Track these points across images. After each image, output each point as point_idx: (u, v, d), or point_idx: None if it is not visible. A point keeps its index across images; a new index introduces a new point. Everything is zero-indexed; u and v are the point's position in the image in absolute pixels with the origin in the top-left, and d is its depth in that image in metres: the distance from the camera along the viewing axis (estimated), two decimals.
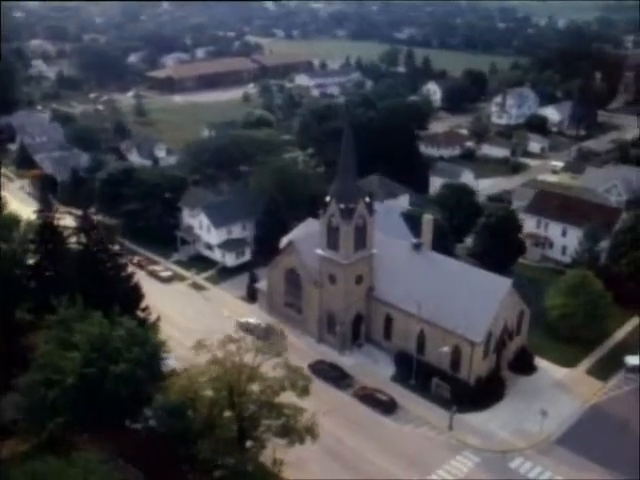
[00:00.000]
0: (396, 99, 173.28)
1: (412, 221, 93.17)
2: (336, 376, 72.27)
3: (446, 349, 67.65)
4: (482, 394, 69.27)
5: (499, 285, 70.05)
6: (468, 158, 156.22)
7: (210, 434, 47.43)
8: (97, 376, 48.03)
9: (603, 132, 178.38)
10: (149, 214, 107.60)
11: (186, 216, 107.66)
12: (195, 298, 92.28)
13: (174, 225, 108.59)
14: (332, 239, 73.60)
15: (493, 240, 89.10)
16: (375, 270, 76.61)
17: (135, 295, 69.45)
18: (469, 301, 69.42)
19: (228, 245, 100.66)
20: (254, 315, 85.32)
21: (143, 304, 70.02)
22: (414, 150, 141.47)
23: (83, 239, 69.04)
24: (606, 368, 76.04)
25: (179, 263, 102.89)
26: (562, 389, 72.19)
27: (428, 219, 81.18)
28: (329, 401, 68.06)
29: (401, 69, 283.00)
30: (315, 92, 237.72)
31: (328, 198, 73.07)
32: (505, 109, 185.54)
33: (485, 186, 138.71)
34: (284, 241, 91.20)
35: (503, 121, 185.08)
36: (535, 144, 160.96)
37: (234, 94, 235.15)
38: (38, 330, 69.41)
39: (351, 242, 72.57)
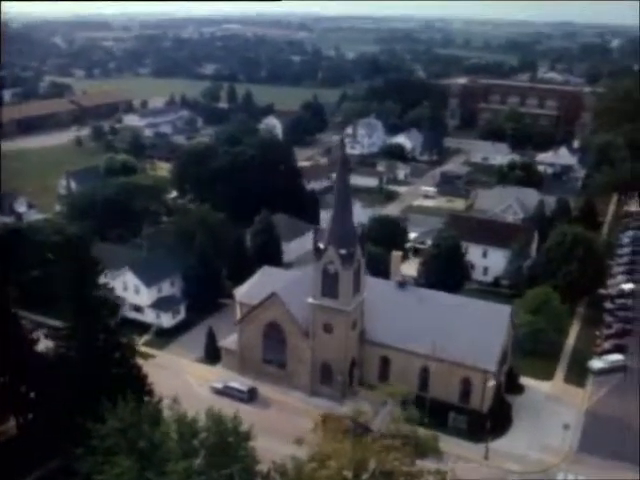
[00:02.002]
0: (257, 135, 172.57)
1: None
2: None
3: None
4: (496, 420, 70.50)
5: (501, 313, 72.23)
6: None
7: None
8: None
9: (450, 156, 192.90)
10: (54, 279, 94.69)
11: (101, 278, 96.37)
12: (147, 367, 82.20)
13: None
14: (329, 286, 70.41)
15: (441, 267, 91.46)
16: (365, 313, 74.80)
17: (136, 375, 60.35)
18: (473, 332, 70.45)
19: (162, 304, 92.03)
20: (223, 377, 78.84)
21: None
22: (300, 185, 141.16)
23: None
24: (577, 375, 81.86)
25: None
26: (555, 401, 76.21)
27: (397, 255, 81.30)
28: None
29: (223, 104, 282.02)
30: (148, 132, 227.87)
31: (322, 245, 69.90)
32: (357, 139, 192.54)
33: (371, 215, 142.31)
34: (240, 293, 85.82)
35: (356, 151, 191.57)
36: (399, 171, 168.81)
37: (60, 138, 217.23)
38: None
39: (351, 288, 70.17)
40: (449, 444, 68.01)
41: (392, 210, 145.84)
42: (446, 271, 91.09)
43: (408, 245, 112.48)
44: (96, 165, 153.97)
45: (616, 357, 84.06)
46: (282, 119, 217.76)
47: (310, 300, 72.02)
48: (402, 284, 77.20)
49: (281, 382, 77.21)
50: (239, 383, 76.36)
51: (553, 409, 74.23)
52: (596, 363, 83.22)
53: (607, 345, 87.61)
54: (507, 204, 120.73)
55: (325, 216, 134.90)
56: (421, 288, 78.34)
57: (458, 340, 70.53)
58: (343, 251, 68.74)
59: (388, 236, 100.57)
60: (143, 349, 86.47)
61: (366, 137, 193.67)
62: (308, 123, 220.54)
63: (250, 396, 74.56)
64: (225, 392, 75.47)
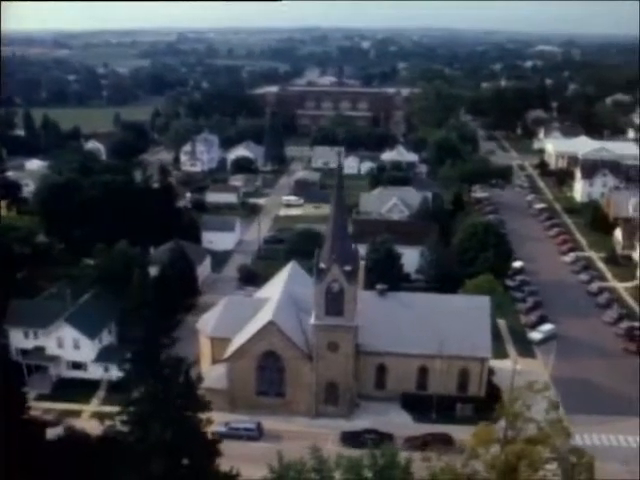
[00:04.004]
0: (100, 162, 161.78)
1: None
2: (376, 440, 69.76)
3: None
4: (494, 402, 76.18)
5: (482, 303, 77.95)
6: (201, 208, 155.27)
7: None
8: None
9: (289, 164, 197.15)
10: None
11: (21, 339, 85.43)
12: None
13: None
14: (333, 305, 70.51)
15: (382, 270, 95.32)
16: None
17: (207, 442, 54.14)
18: (462, 324, 75.60)
19: (108, 356, 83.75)
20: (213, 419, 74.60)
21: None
22: (176, 207, 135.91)
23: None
24: (525, 348, 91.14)
25: (44, 398, 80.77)
26: (523, 375, 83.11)
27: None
28: None
29: (19, 132, 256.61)
30: None
31: (323, 264, 69.65)
32: (197, 156, 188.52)
33: (252, 231, 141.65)
34: (208, 327, 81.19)
35: (197, 168, 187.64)
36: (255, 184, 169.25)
37: None
38: None
39: (354, 303, 70.98)
40: (465, 433, 72.24)
41: (265, 223, 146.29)
42: (386, 274, 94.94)
43: None
44: None
45: (547, 327, 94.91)
46: (105, 142, 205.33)
47: (313, 321, 71.43)
48: (382, 291, 79.64)
49: (279, 412, 75.27)
50: (242, 421, 73.05)
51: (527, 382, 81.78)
52: (534, 335, 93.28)
53: (533, 318, 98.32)
54: (391, 203, 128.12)
55: (208, 237, 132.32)
56: (401, 292, 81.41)
57: (451, 334, 74.79)
58: (347, 268, 69.31)
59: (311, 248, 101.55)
60: (106, 409, 78.84)
61: (205, 153, 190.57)
62: (131, 144, 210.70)
63: (259, 433, 71.88)
64: (230, 434, 71.41)
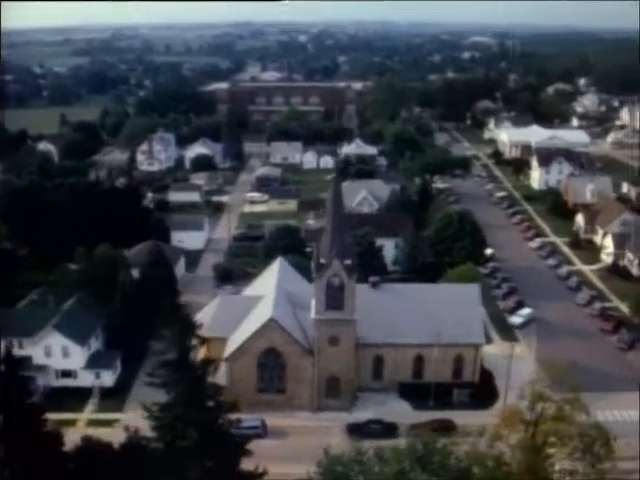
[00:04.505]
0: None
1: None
2: (382, 429, 71.29)
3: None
4: (488, 386, 78.79)
5: (472, 291, 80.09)
6: (164, 208, 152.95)
7: None
8: None
9: (247, 160, 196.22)
10: None
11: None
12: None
13: None
14: (334, 299, 71.38)
15: (364, 263, 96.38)
16: None
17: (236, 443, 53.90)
18: (455, 312, 77.64)
19: (99, 362, 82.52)
20: None
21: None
22: (144, 207, 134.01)
23: None
24: (506, 333, 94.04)
25: None
26: (508, 358, 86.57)
27: None
28: None
29: None
30: None
31: (324, 260, 70.29)
32: (154, 155, 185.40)
33: (219, 229, 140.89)
34: (202, 318, 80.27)
35: (155, 167, 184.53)
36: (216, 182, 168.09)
37: None
38: None
39: (354, 297, 71.88)
40: (468, 418, 73.72)
41: (231, 220, 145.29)
42: (369, 266, 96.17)
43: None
44: None
45: (526, 311, 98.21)
46: (56, 143, 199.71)
47: (314, 316, 72.07)
48: (375, 283, 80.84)
49: (280, 407, 75.68)
50: (245, 419, 72.88)
51: (515, 365, 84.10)
52: (515, 319, 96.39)
53: (510, 303, 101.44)
54: (361, 197, 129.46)
55: (177, 237, 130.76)
56: (392, 284, 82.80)
57: (445, 322, 76.69)
58: (347, 262, 70.20)
59: (288, 244, 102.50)
60: (102, 417, 77.57)
61: (162, 152, 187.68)
62: (83, 145, 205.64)
63: (264, 430, 72.13)
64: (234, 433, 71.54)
